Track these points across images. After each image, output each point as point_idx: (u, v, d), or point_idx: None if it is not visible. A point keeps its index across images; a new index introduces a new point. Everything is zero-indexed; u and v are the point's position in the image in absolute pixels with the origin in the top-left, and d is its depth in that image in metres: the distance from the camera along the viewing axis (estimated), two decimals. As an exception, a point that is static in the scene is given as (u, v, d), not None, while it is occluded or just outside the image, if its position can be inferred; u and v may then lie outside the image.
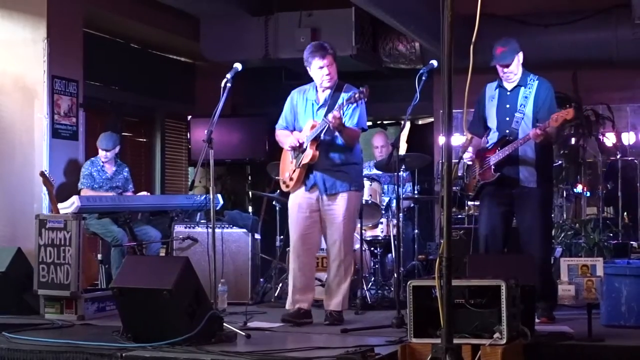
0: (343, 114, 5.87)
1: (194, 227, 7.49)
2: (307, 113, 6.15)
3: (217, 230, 6.49)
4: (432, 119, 11.01)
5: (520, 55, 6.18)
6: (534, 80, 6.17)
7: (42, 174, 7.16)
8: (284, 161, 6.27)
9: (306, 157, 6.00)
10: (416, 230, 8.12)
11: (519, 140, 5.99)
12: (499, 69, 6.20)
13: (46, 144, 7.98)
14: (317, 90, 6.17)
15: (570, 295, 6.85)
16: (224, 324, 5.18)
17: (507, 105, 6.20)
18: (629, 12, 8.78)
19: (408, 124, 7.42)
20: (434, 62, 6.20)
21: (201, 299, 5.08)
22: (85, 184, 7.86)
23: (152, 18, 9.66)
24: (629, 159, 9.90)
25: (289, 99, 6.25)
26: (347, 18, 9.54)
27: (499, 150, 6.13)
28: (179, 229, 7.50)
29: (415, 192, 8.18)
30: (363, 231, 7.22)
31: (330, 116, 5.81)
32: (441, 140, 7.12)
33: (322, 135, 5.96)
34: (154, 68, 10.79)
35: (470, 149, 6.27)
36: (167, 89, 11.04)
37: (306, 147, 6.01)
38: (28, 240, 6.86)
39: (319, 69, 6.06)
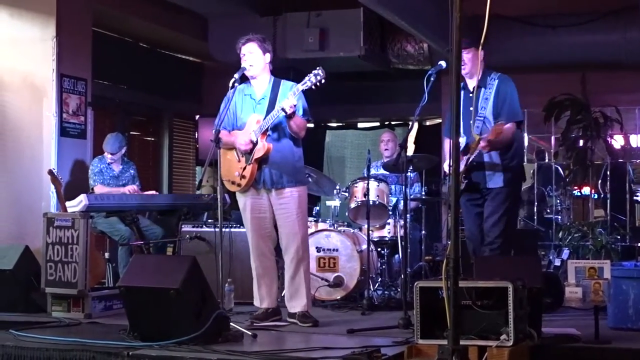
0: (297, 101, 5.74)
1: (201, 227, 7.49)
2: (246, 109, 6.01)
3: (224, 229, 6.50)
4: (440, 120, 11.00)
5: (480, 53, 5.77)
6: (494, 80, 6.06)
7: (50, 172, 7.17)
8: (228, 161, 6.02)
9: (259, 151, 5.84)
10: (423, 231, 8.11)
11: (475, 150, 5.85)
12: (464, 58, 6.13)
13: (54, 142, 8.00)
14: (253, 86, 6.05)
15: (577, 297, 6.83)
16: (231, 323, 5.17)
17: (470, 108, 6.08)
18: (638, 14, 8.76)
19: (416, 125, 7.37)
20: (443, 63, 6.17)
21: (208, 299, 5.07)
22: (97, 181, 7.90)
23: (161, 17, 9.68)
24: (637, 161, 9.91)
25: (225, 98, 6.00)
26: (355, 18, 9.53)
27: (463, 158, 6.10)
28: (187, 228, 7.50)
29: (423, 193, 8.17)
30: (370, 232, 7.22)
31: (285, 104, 5.68)
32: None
33: (269, 128, 5.84)
34: (162, 67, 10.80)
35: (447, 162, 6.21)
36: (175, 89, 11.06)
37: (256, 141, 5.87)
38: (36, 239, 6.86)
39: (242, 56, 5.96)
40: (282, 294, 6.22)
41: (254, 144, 5.87)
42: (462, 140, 6.07)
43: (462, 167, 6.01)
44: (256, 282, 6.08)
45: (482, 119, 5.99)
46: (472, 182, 6.02)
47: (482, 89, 6.04)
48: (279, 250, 6.12)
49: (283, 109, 5.70)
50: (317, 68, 5.68)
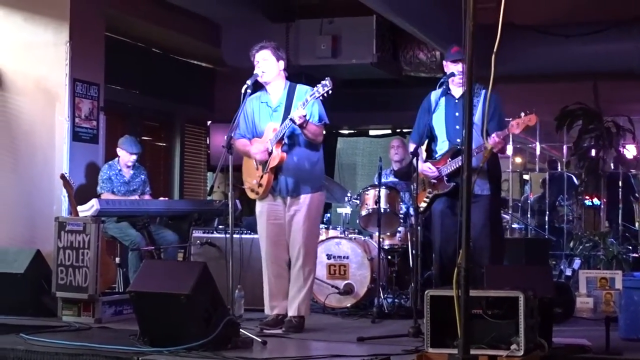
0: (306, 111, 5.75)
1: (212, 233, 7.49)
2: (264, 117, 6.06)
3: (235, 236, 6.50)
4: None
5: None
6: (480, 89, 6.03)
7: (62, 176, 7.19)
8: (248, 169, 6.15)
9: (273, 160, 5.91)
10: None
11: (473, 150, 5.73)
12: (454, 70, 6.12)
13: (66, 147, 8.01)
14: (269, 93, 6.09)
15: (588, 307, 6.82)
16: (240, 329, 5.17)
17: (457, 114, 6.12)
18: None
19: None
20: (455, 71, 6.18)
21: (218, 305, 5.07)
22: (105, 188, 7.88)
23: (174, 23, 9.69)
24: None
25: (243, 109, 6.03)
26: (368, 26, 9.55)
27: (450, 161, 6.10)
28: (197, 234, 7.50)
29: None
30: (381, 239, 7.21)
31: (294, 114, 5.71)
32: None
33: (285, 136, 5.88)
34: (174, 73, 10.82)
35: (427, 164, 6.21)
36: (187, 94, 11.07)
37: (271, 150, 5.92)
38: (47, 243, 6.87)
39: (256, 63, 5.99)
40: None
41: (270, 153, 5.90)
42: (443, 145, 6.15)
43: (448, 170, 6.06)
44: (267, 289, 6.09)
45: (472, 124, 5.98)
46: (458, 186, 5.98)
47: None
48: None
49: (292, 120, 5.73)
50: (326, 79, 5.69)
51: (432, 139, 6.34)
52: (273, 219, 6.05)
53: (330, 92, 5.68)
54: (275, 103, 6.05)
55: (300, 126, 5.75)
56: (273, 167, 5.92)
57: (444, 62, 6.39)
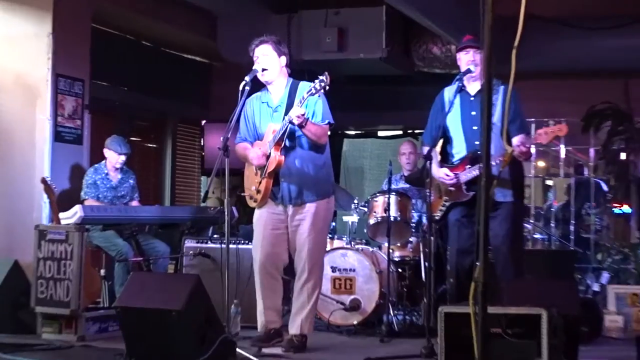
0: (305, 110, 5.75)
1: (206, 242, 7.48)
2: (264, 118, 6.07)
3: (231, 246, 6.49)
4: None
5: None
6: (498, 85, 6.00)
7: (43, 180, 7.19)
8: (249, 175, 6.17)
9: (271, 164, 5.90)
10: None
11: (495, 157, 5.69)
12: (465, 60, 6.11)
13: (48, 148, 8.01)
14: (270, 92, 6.10)
15: (617, 326, 6.80)
16: (237, 349, 5.16)
17: (473, 113, 6.10)
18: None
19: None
20: (472, 67, 6.17)
21: (213, 321, 5.07)
22: (89, 194, 7.87)
23: (166, 14, 9.71)
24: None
25: (243, 111, 6.10)
26: (377, 17, 9.54)
27: (469, 167, 6.05)
28: (190, 244, 7.49)
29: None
30: (391, 250, 7.20)
31: (292, 113, 5.69)
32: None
33: (285, 137, 5.88)
34: (166, 68, 10.84)
35: (444, 169, 6.17)
36: (180, 91, 11.08)
37: (269, 153, 5.92)
38: (26, 253, 6.87)
39: (256, 59, 5.99)
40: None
41: (269, 157, 5.89)
42: (460, 148, 6.09)
43: (467, 178, 6.02)
44: (260, 302, 6.09)
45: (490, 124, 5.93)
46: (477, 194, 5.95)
47: None
48: (291, 269, 6.13)
49: (290, 120, 5.72)
50: (323, 73, 5.68)
51: (447, 140, 6.30)
52: (272, 228, 6.03)
53: (327, 87, 5.65)
54: (276, 102, 6.05)
55: (300, 126, 5.74)
56: (271, 172, 5.91)
57: (457, 55, 6.36)
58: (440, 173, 6.18)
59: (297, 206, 5.98)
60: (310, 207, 5.98)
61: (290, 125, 5.77)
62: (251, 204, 6.15)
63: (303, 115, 5.69)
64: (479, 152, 5.93)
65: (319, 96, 5.78)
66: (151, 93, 10.61)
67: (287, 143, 5.92)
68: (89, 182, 7.93)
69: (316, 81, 5.69)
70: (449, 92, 6.29)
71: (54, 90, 8.07)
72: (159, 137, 11.18)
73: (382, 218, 7.47)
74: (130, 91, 10.37)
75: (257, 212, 6.12)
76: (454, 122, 6.22)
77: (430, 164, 6.09)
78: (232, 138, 5.92)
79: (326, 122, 5.96)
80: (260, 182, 5.99)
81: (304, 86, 5.99)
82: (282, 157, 5.90)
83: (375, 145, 12.67)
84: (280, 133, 5.84)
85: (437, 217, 6.35)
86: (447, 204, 6.21)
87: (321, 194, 6.03)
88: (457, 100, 6.17)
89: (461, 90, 6.17)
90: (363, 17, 9.64)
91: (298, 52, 9.71)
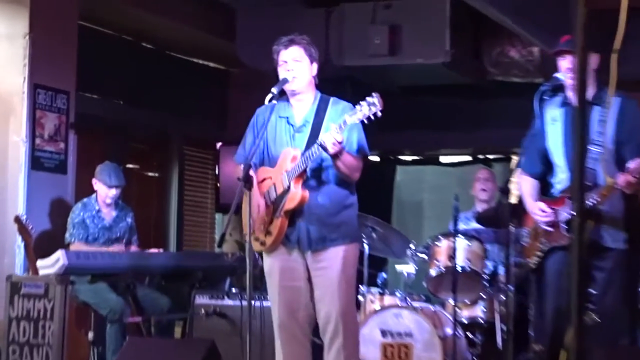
0: (343, 136, 5.65)
1: (222, 299, 7.50)
2: (281, 137, 5.99)
3: (254, 303, 6.49)
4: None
5: (595, 57, 5.82)
6: (615, 98, 5.89)
7: (17, 219, 7.25)
8: (253, 208, 5.90)
9: (291, 201, 5.81)
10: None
11: (600, 190, 5.65)
12: (563, 67, 6.05)
13: (23, 178, 8.08)
14: (292, 106, 6.03)
15: None
16: None
17: None
18: None
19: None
20: (560, 76, 6.14)
21: (230, 400, 5.07)
22: (76, 236, 7.92)
23: (171, 9, 9.78)
24: None
25: (252, 121, 6.06)
26: (439, 12, 9.52)
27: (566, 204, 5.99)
28: (202, 300, 7.51)
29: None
30: (457, 310, 7.17)
31: (326, 140, 5.59)
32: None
33: (309, 168, 5.81)
34: (172, 76, 10.90)
35: (540, 204, 6.13)
36: (189, 105, 11.14)
37: (288, 186, 5.84)
38: (-6, 311, 6.93)
39: (283, 64, 5.93)
40: None
41: (286, 189, 5.86)
42: (562, 178, 6.02)
43: (568, 215, 5.95)
44: None
45: (599, 148, 5.88)
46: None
47: (596, 108, 5.94)
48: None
49: (323, 147, 5.64)
50: (373, 95, 5.60)
51: (549, 166, 6.25)
52: (287, 280, 5.98)
53: (378, 113, 5.57)
54: (300, 121, 5.98)
55: (334, 156, 5.69)
56: (289, 210, 5.88)
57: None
58: (534, 208, 6.13)
59: (317, 252, 5.94)
60: (336, 252, 5.89)
61: (321, 151, 5.71)
62: (256, 246, 6.05)
63: (340, 143, 5.64)
64: (587, 182, 5.87)
65: (362, 120, 5.71)
66: (153, 107, 10.67)
67: (309, 174, 5.88)
68: (76, 221, 7.97)
69: (363, 104, 5.59)
70: (551, 107, 6.16)
71: (32, 105, 8.14)
72: (162, 164, 11.22)
73: (446, 268, 7.46)
74: (127, 105, 10.43)
75: (267, 262, 6.06)
76: (555, 142, 6.15)
77: (507, 199, 6.07)
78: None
79: (362, 153, 5.92)
80: (271, 221, 5.94)
81: (337, 104, 5.97)
82: (307, 193, 5.86)
83: (436, 174, 12.63)
84: (307, 162, 5.77)
85: (532, 265, 6.28)
86: (546, 248, 6.15)
87: (349, 237, 5.99)
88: (560, 115, 6.10)
89: (564, 103, 6.10)
90: (421, 11, 9.63)
91: (338, 56, 9.71)
